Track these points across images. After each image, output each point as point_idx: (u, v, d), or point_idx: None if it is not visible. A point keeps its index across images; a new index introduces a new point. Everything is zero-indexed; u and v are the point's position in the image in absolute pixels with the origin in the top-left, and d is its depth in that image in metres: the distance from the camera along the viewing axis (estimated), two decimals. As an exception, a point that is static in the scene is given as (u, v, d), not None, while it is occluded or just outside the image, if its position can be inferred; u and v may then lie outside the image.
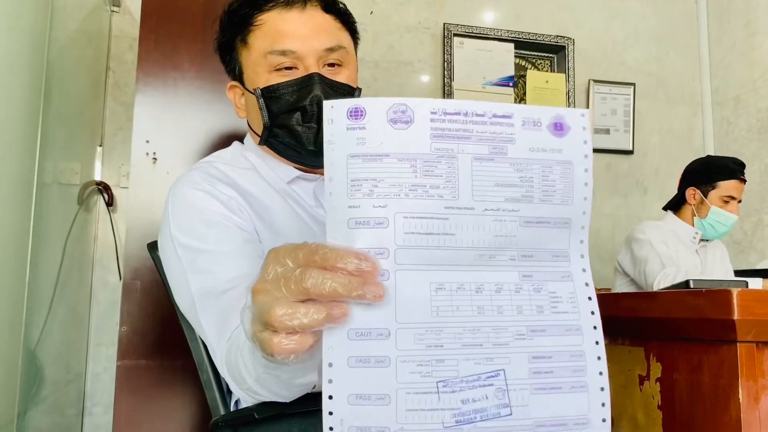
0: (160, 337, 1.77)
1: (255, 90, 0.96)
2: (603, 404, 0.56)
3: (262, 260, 0.53)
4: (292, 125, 0.94)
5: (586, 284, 0.58)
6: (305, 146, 0.95)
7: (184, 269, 0.88)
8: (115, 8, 2.54)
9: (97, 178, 2.46)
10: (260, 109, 0.95)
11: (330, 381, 0.51)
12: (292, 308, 0.49)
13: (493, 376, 0.55)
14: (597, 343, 0.57)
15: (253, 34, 0.97)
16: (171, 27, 1.92)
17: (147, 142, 1.85)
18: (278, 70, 0.95)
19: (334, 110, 0.53)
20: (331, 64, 0.97)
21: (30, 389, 1.79)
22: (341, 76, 0.97)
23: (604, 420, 0.56)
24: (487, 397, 0.54)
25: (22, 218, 1.59)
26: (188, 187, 0.93)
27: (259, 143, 1.01)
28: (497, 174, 0.54)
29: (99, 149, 2.48)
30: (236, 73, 1.02)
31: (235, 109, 1.06)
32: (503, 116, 0.54)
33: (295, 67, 0.95)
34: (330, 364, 0.51)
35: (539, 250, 0.57)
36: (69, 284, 2.14)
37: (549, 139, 0.55)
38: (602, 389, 0.56)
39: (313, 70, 0.94)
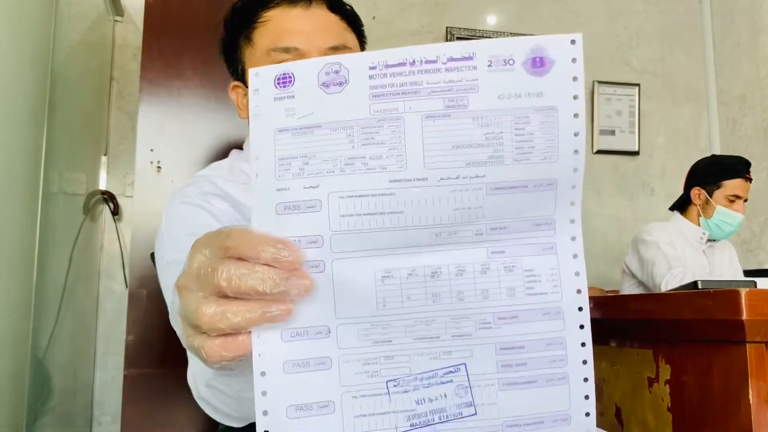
0: (167, 346, 1.77)
1: None
2: (587, 396, 0.50)
3: None
4: None
5: (575, 256, 0.49)
6: None
7: (172, 283, 0.86)
8: (119, 18, 2.55)
9: (102, 187, 2.47)
10: None
11: (264, 393, 0.45)
12: (221, 306, 0.43)
13: (452, 372, 0.49)
14: (582, 327, 0.50)
15: (257, 31, 0.95)
16: (174, 36, 1.92)
17: (151, 150, 1.85)
18: None
19: (259, 78, 0.45)
20: None
21: (38, 399, 1.79)
22: None
23: (587, 414, 0.50)
24: (445, 396, 0.48)
25: (29, 228, 1.60)
26: (180, 201, 0.92)
27: None
28: (455, 133, 0.45)
29: (104, 158, 2.49)
30: (239, 73, 1.00)
31: (237, 110, 1.05)
32: (462, 58, 0.45)
33: None
34: (263, 373, 0.45)
35: (515, 219, 0.48)
36: (76, 293, 2.15)
37: (525, 80, 0.45)
38: (586, 380, 0.50)
39: None
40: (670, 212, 2.57)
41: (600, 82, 3.18)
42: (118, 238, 2.46)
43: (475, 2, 3.10)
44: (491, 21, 3.12)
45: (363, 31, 1.03)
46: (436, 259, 0.48)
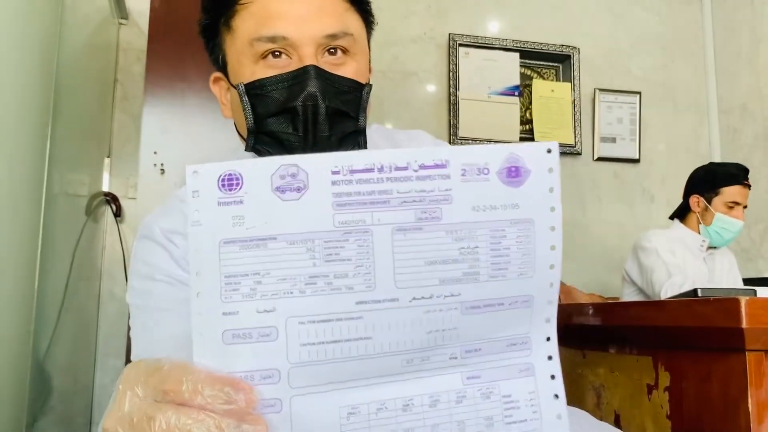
0: (168, 348, 1.77)
1: (238, 85, 0.78)
2: None
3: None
4: (278, 132, 0.77)
5: (552, 377, 0.46)
6: None
7: (131, 329, 0.79)
8: (123, 21, 2.56)
9: (105, 189, 2.47)
10: (244, 109, 0.78)
11: None
12: None
13: None
14: None
15: (238, 15, 0.78)
16: (178, 38, 1.93)
17: (155, 153, 1.86)
18: (265, 58, 0.76)
19: (198, 178, 0.40)
20: (334, 53, 0.78)
21: (38, 400, 1.79)
22: (346, 69, 0.78)
23: None
24: None
25: (31, 229, 1.60)
26: (143, 234, 0.82)
27: (246, 149, 0.83)
28: (428, 248, 0.41)
29: (107, 160, 2.50)
30: (220, 64, 0.85)
31: (221, 106, 0.90)
32: (435, 166, 0.41)
33: (288, 57, 0.76)
34: None
35: (490, 340, 0.44)
36: (77, 295, 2.15)
37: (500, 190, 0.42)
38: None
39: (309, 61, 0.75)
40: (670, 221, 2.58)
41: (601, 90, 3.19)
42: (120, 240, 2.46)
43: (478, 9, 3.11)
44: (493, 28, 3.13)
45: (370, 10, 0.85)
46: (407, 389, 0.43)
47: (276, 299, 0.40)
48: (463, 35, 3.03)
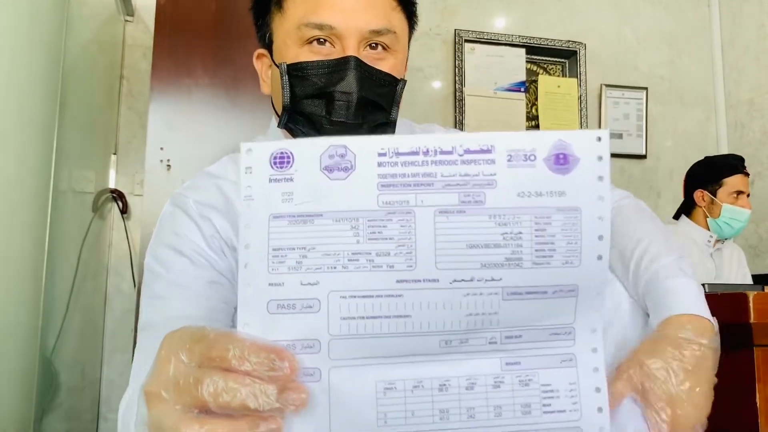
0: (174, 344, 1.77)
1: (280, 64, 0.81)
2: None
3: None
4: (312, 114, 0.80)
5: (595, 369, 0.45)
6: None
7: (143, 292, 0.79)
8: (129, 17, 2.57)
9: (111, 185, 2.48)
10: (282, 87, 0.81)
11: None
12: (204, 427, 0.38)
13: None
14: None
15: None
16: (184, 35, 1.94)
17: (161, 149, 1.87)
18: (310, 44, 0.80)
19: (252, 155, 0.41)
20: (375, 47, 0.82)
21: (46, 396, 1.80)
22: (384, 64, 0.82)
23: None
24: None
25: (39, 225, 1.61)
26: (177, 204, 0.83)
27: (278, 125, 0.86)
28: (471, 231, 0.41)
29: (113, 157, 2.51)
30: (266, 41, 0.88)
31: (261, 81, 0.93)
32: (480, 151, 0.41)
33: (332, 45, 0.80)
34: None
35: (532, 327, 0.44)
36: (84, 291, 2.16)
37: (547, 177, 0.41)
38: None
39: (351, 52, 0.78)
40: (674, 221, 2.57)
41: (608, 86, 3.18)
42: (127, 237, 2.47)
43: (484, 6, 3.11)
44: (499, 24, 3.12)
45: (415, 10, 0.89)
46: (444, 370, 0.44)
47: (320, 273, 0.41)
48: (468, 31, 3.02)
